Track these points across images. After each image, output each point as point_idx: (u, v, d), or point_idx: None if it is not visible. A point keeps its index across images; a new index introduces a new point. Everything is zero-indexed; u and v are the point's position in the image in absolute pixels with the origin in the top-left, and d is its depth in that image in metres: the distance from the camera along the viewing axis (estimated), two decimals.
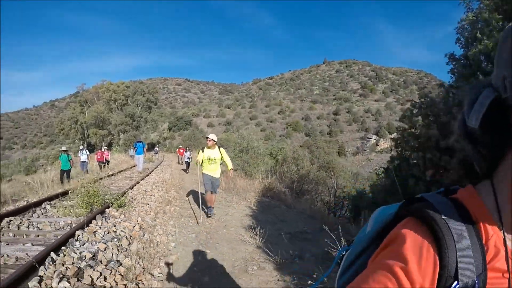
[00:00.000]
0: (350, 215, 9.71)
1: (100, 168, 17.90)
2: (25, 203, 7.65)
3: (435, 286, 0.53)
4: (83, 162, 15.99)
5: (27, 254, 4.12)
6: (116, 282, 3.03)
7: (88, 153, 16.42)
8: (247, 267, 4.13)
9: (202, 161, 6.80)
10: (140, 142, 16.06)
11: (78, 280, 3.01)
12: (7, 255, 4.09)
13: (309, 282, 3.34)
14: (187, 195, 9.36)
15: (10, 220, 5.85)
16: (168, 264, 3.91)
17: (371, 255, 0.65)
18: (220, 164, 7.10)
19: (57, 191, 9.33)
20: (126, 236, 4.41)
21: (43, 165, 39.28)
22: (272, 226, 6.46)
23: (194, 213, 7.06)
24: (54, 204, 7.54)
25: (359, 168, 29.82)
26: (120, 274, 3.17)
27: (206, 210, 6.97)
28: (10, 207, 7.24)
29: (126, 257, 3.61)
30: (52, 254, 3.65)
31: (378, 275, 0.55)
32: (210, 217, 6.70)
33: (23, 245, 4.55)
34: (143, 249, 4.06)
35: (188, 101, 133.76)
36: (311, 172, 13.04)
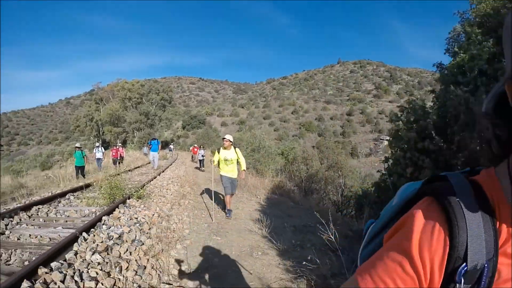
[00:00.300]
0: (355, 213, 10.09)
1: (115, 165, 18.21)
2: (50, 194, 8.37)
3: (445, 265, 0.54)
4: (99, 159, 16.27)
5: (59, 235, 4.72)
6: (140, 257, 3.58)
7: (103, 150, 16.75)
8: (252, 252, 4.63)
9: (219, 162, 6.84)
10: (155, 139, 16.18)
11: (107, 254, 3.57)
12: (41, 236, 4.70)
13: (304, 263, 3.80)
14: (200, 190, 9.92)
15: (39, 208, 6.50)
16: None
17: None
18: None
19: (78, 184, 10.04)
20: (147, 222, 4.98)
21: (58, 161, 40.43)
22: (278, 219, 6.93)
23: (206, 207, 7.59)
24: (77, 195, 8.20)
25: (372, 169, 29.94)
26: (143, 251, 3.73)
27: (226, 215, 6.94)
28: (36, 197, 7.94)
29: (147, 239, 4.17)
30: (84, 234, 4.24)
31: (392, 254, 0.58)
32: (229, 218, 6.69)
33: (54, 228, 5.16)
34: (162, 233, 4.62)
35: (202, 100, 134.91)
36: (319, 172, 13.45)
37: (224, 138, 6.95)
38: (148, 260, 3.54)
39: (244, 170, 7.10)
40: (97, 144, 17.53)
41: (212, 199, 7.55)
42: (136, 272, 3.20)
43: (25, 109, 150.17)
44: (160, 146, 17.20)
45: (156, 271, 3.31)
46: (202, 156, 19.07)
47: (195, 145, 27.76)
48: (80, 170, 13.25)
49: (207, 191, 9.65)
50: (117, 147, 19.84)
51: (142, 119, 48.80)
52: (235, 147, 6.98)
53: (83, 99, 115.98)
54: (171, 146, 34.98)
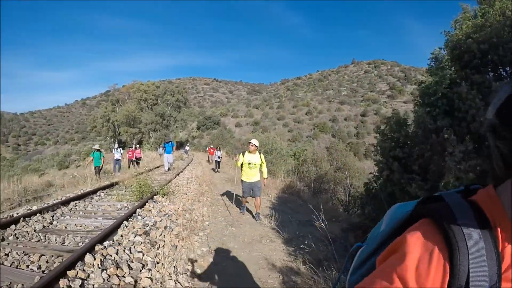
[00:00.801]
0: (360, 211, 10.86)
1: (129, 166, 18.56)
2: (82, 191, 9.42)
3: None
4: (117, 159, 16.51)
5: (101, 224, 5.70)
6: (171, 239, 4.52)
7: (121, 151, 17.13)
8: (261, 240, 5.52)
9: (242, 165, 6.98)
10: (169, 141, 16.25)
11: (146, 236, 4.53)
12: (85, 225, 5.69)
13: (302, 246, 4.68)
14: (217, 189, 10.88)
15: (76, 203, 7.54)
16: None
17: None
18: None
19: (105, 183, 11.13)
20: (174, 214, 5.95)
21: (75, 160, 41.97)
22: (286, 215, 7.80)
23: (225, 203, 8.49)
24: (106, 192, 9.25)
25: None
26: (173, 235, 4.68)
27: (240, 210, 7.49)
28: (71, 194, 8.99)
29: (175, 226, 5.13)
30: (125, 222, 5.23)
31: (386, 280, 0.56)
32: (242, 213, 7.20)
33: (95, 218, 6.16)
34: (187, 223, 5.57)
35: (217, 100, 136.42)
36: (328, 173, 14.23)
37: (250, 142, 7.06)
38: (178, 241, 4.48)
39: (265, 178, 7.34)
40: (115, 146, 18.13)
41: (233, 199, 8.42)
42: (170, 249, 4.14)
43: (42, 110, 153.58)
44: (174, 148, 17.34)
45: (185, 249, 4.25)
46: (219, 157, 18.97)
47: (211, 146, 27.83)
48: (98, 170, 13.86)
49: (223, 189, 10.59)
50: (134, 148, 20.43)
51: (158, 120, 49.74)
52: (260, 153, 7.07)
53: (99, 100, 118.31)
54: (187, 148, 36.02)
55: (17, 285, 3.27)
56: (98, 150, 14.25)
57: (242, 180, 7.06)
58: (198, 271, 3.84)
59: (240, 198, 7.66)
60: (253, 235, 5.82)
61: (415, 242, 0.56)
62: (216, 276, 3.79)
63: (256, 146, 6.97)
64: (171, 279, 3.29)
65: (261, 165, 7.00)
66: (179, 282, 3.32)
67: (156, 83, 56.81)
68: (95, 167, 13.90)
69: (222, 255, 4.53)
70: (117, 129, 53.29)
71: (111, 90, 64.70)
